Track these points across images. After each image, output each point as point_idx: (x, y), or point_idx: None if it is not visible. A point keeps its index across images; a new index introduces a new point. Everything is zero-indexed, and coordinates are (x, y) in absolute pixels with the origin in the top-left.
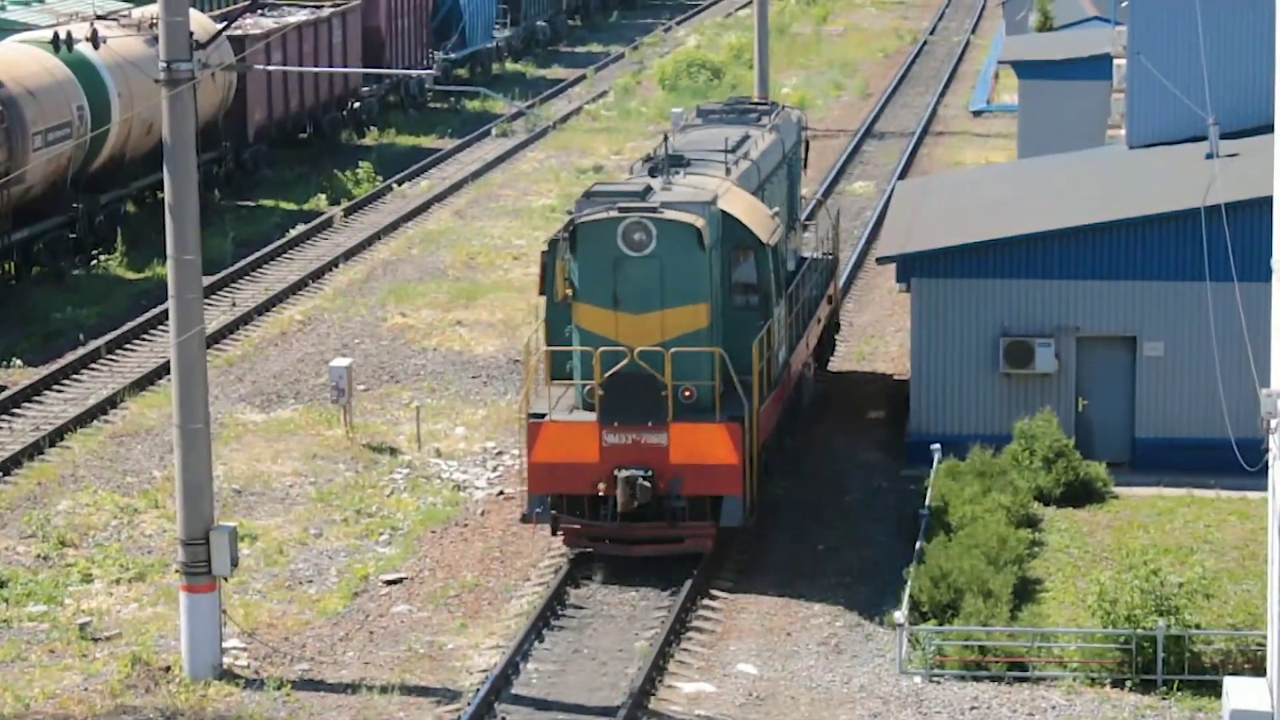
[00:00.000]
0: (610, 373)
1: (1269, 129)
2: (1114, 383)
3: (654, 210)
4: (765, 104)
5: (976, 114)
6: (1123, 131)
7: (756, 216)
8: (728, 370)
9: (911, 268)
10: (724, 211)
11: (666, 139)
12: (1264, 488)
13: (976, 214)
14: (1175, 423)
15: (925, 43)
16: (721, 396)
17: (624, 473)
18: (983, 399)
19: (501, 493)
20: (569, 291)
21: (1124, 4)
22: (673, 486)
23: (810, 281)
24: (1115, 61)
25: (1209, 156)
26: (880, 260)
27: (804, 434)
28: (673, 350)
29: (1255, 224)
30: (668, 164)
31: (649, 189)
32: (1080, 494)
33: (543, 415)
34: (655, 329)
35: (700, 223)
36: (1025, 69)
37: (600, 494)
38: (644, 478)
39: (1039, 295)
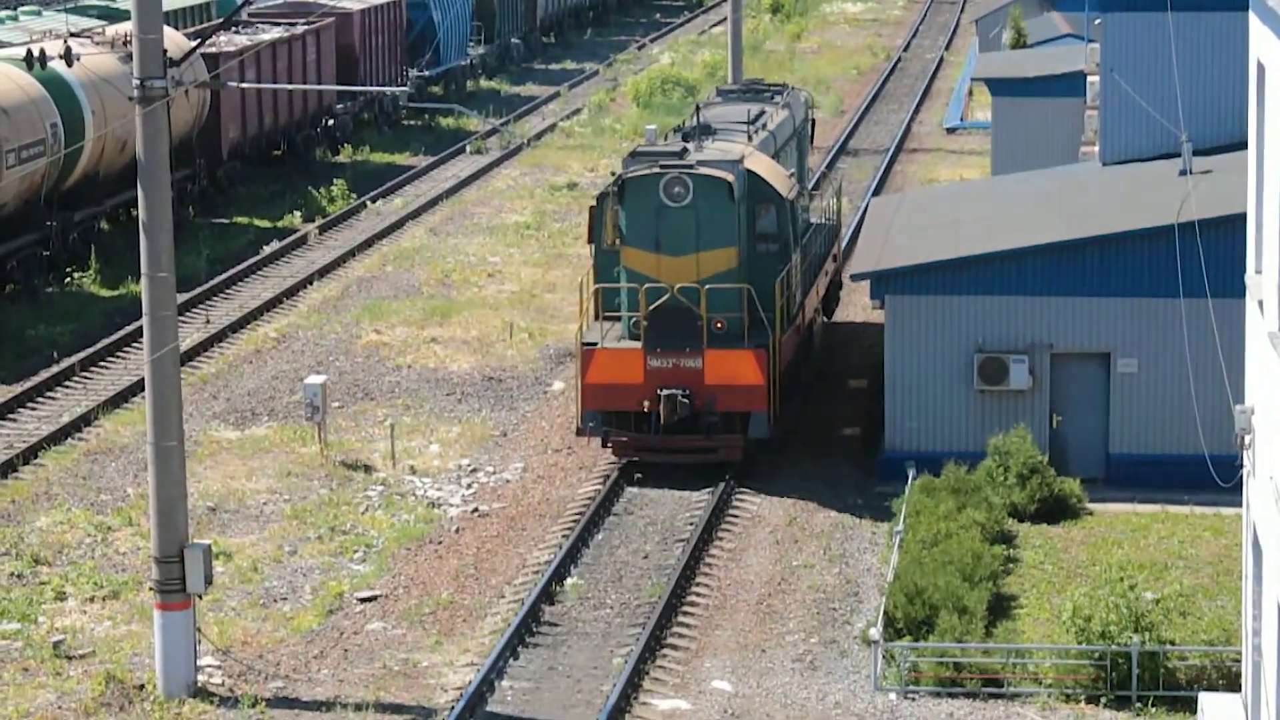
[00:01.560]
0: (653, 306)
1: (1242, 146)
2: (1088, 399)
3: (691, 167)
4: (777, 85)
5: (950, 131)
6: (1096, 148)
7: (776, 176)
8: (754, 305)
9: (885, 285)
10: (749, 170)
11: (699, 109)
12: (1238, 503)
13: (950, 231)
14: (1149, 439)
15: (899, 60)
16: (748, 327)
17: (665, 392)
18: (957, 416)
19: (476, 510)
20: (617, 237)
21: (1097, 21)
22: (708, 404)
23: (818, 240)
24: (1089, 79)
25: (1182, 173)
26: (854, 277)
27: (778, 452)
28: (707, 287)
29: (1228, 240)
30: (699, 131)
31: (685, 150)
32: (1055, 510)
33: (595, 344)
34: (691, 269)
35: (730, 178)
36: (999, 86)
37: (645, 410)
38: (683, 396)
39: (1013, 312)
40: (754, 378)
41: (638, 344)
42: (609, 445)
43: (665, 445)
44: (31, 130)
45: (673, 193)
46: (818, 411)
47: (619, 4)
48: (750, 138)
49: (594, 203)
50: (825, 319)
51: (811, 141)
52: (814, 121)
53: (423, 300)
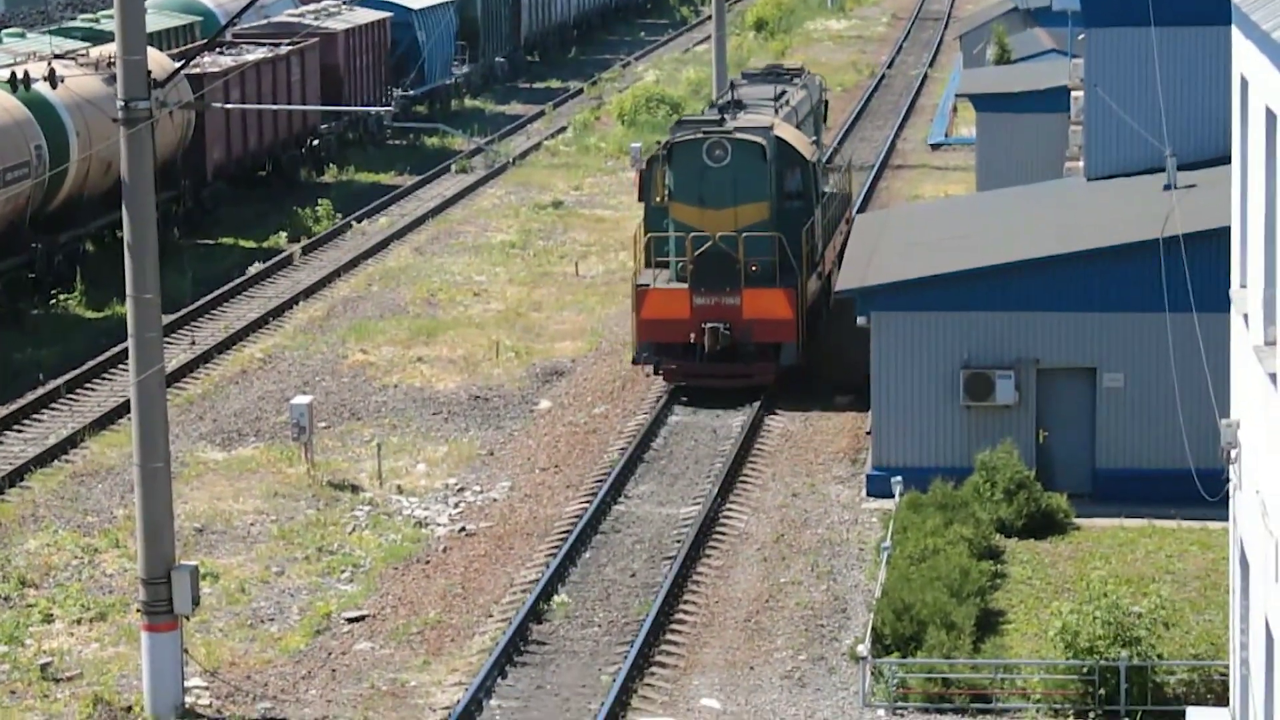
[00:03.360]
0: (698, 252)
1: (1226, 160)
2: (1074, 414)
3: (729, 133)
4: (795, 69)
5: (935, 147)
6: (1081, 164)
7: (801, 142)
8: (784, 251)
9: (871, 301)
10: (778, 137)
11: (733, 86)
12: (1225, 518)
13: (936, 247)
14: (1136, 453)
15: (883, 76)
16: (779, 270)
17: (709, 325)
18: (944, 431)
19: (463, 529)
20: (666, 194)
21: (1081, 37)
22: (745, 335)
23: (834, 205)
24: (1073, 94)
25: (1167, 188)
26: (839, 294)
27: (766, 467)
28: (744, 235)
29: (1213, 255)
30: (732, 105)
31: (723, 119)
32: (1042, 525)
33: (647, 285)
34: (730, 220)
35: (763, 142)
36: (983, 102)
37: (691, 342)
38: (724, 329)
39: (999, 327)
40: (785, 312)
41: (684, 285)
42: (660, 373)
43: (709, 372)
44: (16, 152)
45: (714, 155)
46: (805, 426)
47: (603, 22)
48: (776, 111)
49: (644, 167)
50: None
51: (825, 119)
52: (827, 102)
53: (409, 320)
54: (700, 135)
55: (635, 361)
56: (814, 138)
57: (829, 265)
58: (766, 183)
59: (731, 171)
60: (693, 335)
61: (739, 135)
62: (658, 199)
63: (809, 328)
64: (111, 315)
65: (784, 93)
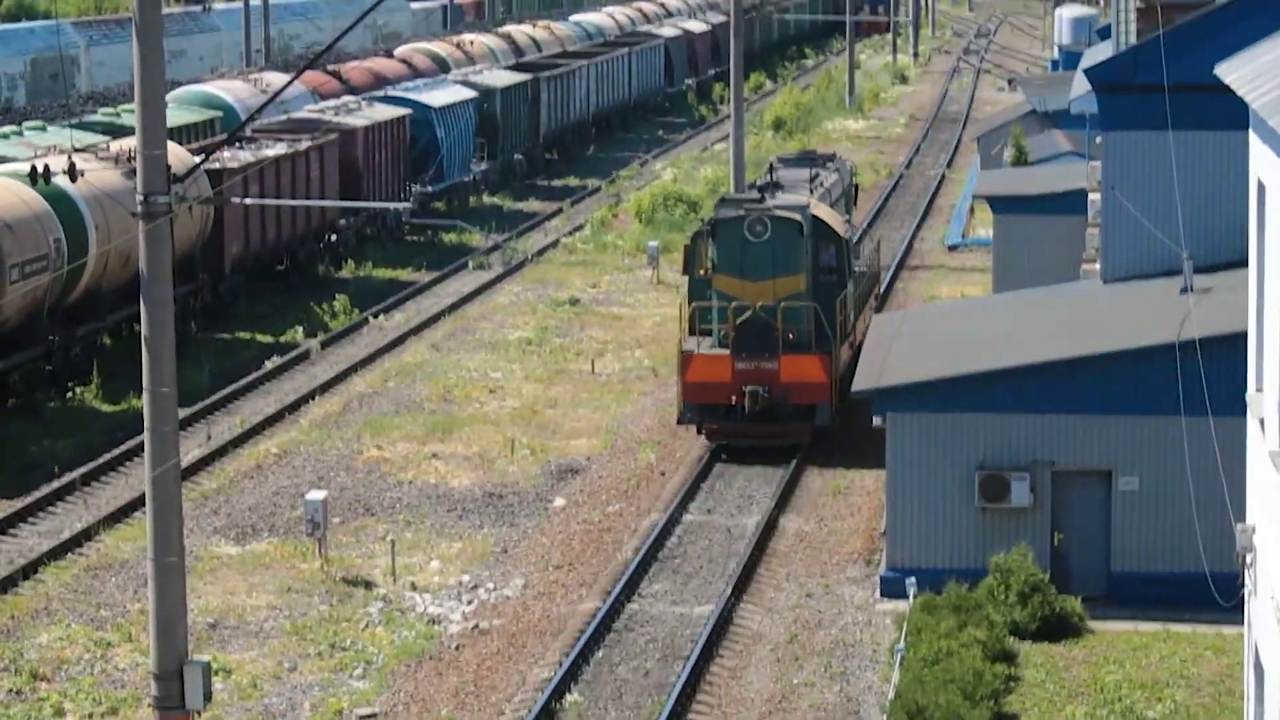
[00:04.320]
0: (739, 321)
1: (1243, 263)
2: (1089, 517)
3: (769, 210)
4: (827, 154)
5: (952, 248)
6: (1097, 266)
7: (835, 220)
8: (819, 321)
9: (887, 402)
10: (814, 215)
11: (771, 169)
12: (1240, 622)
13: (952, 348)
14: (1151, 557)
15: (901, 177)
16: (815, 338)
17: (749, 388)
18: (958, 533)
19: (476, 626)
20: (709, 266)
21: (1098, 139)
22: (782, 398)
23: (863, 282)
24: (1090, 196)
25: (1184, 291)
26: (855, 394)
27: (780, 568)
28: (782, 305)
29: (1230, 358)
30: (771, 186)
31: (763, 198)
32: (1056, 628)
33: (692, 351)
34: (769, 291)
35: (800, 219)
36: (1000, 204)
37: (732, 403)
38: (763, 392)
39: (1014, 429)
40: (820, 377)
41: (726, 351)
42: (703, 432)
43: (748, 431)
44: (35, 246)
45: (755, 230)
46: (819, 527)
47: (622, 121)
48: (812, 191)
49: (689, 242)
50: None
51: (855, 202)
52: (857, 185)
53: (424, 416)
54: (742, 212)
55: (680, 421)
56: (846, 217)
57: (859, 335)
58: (803, 257)
59: (771, 246)
60: (734, 397)
61: (778, 212)
62: (701, 271)
63: (840, 392)
64: (128, 409)
65: (818, 175)
